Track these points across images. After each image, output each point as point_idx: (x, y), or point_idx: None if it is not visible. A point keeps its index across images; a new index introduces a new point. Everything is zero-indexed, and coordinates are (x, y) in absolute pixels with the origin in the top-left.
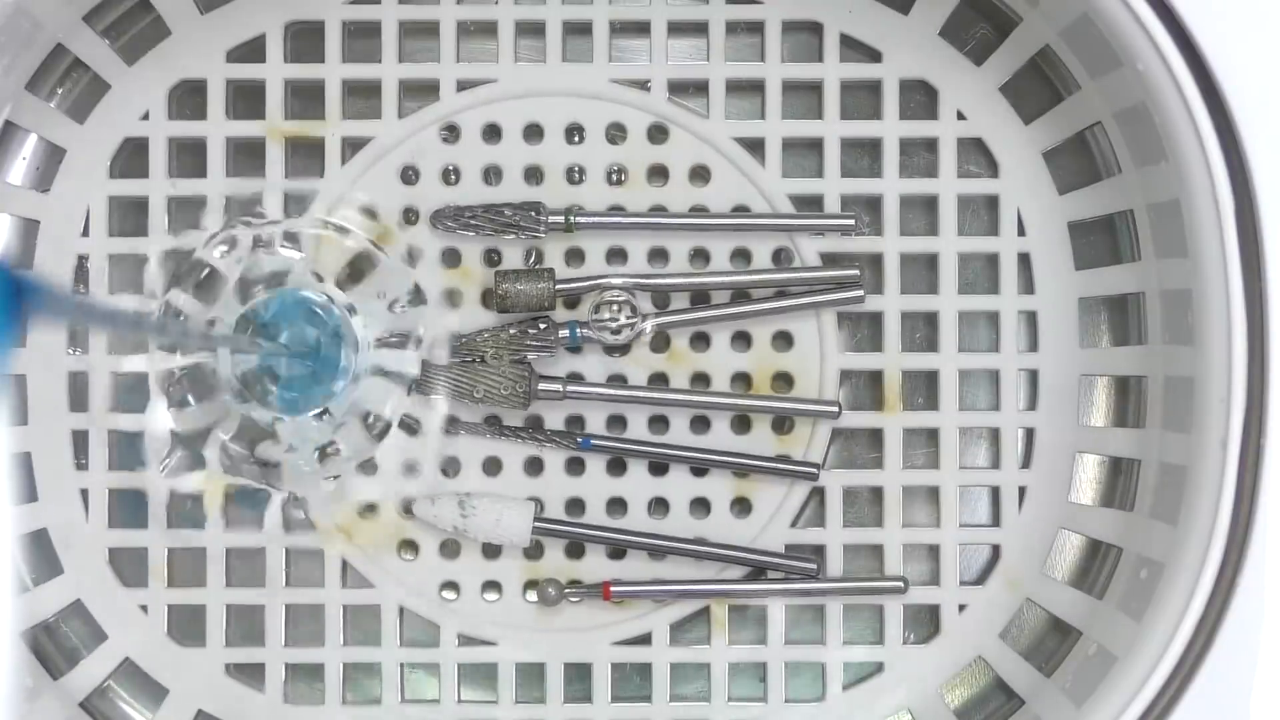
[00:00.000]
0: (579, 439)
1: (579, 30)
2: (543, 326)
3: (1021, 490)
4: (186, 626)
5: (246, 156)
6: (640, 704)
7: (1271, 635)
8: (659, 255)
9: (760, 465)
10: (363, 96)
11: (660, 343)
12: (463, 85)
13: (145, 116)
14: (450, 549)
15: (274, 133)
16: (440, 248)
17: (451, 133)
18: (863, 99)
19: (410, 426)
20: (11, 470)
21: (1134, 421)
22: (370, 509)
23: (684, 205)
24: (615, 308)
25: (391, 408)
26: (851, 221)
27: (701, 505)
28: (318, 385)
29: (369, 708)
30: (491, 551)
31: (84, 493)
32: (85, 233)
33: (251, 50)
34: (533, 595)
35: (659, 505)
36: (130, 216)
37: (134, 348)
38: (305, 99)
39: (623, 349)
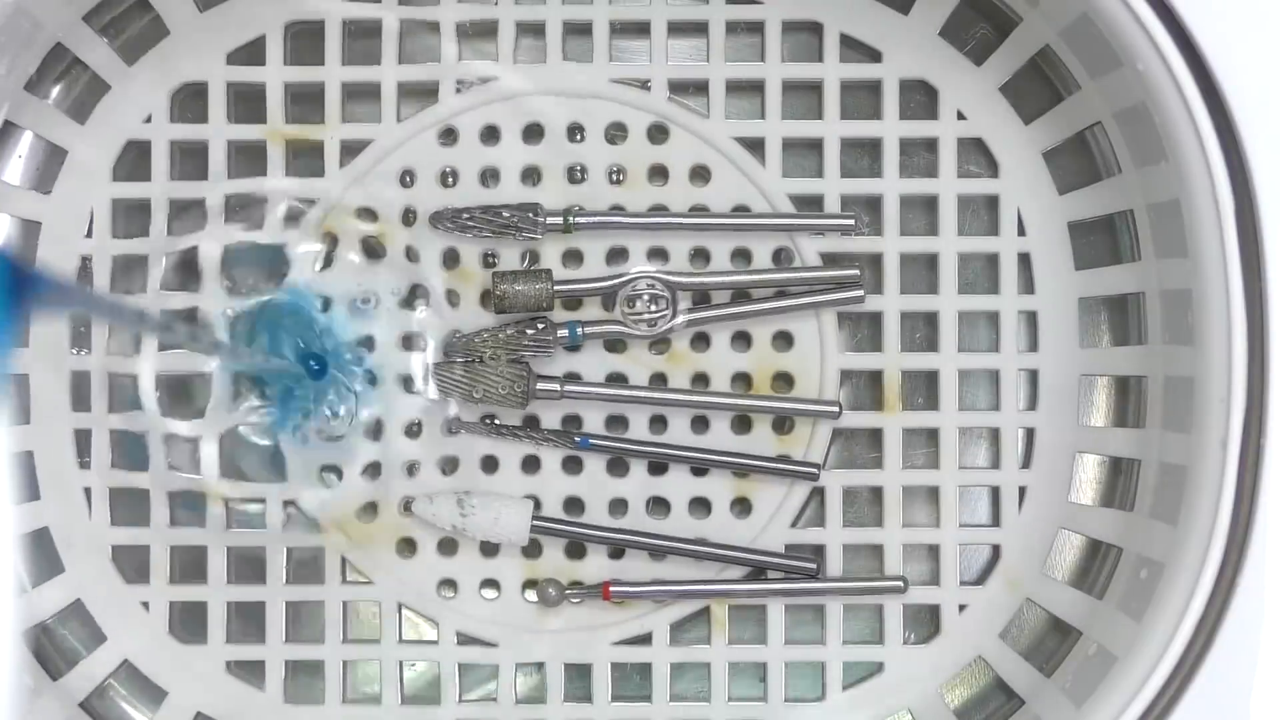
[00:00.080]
0: (577, 438)
1: (579, 30)
2: (540, 327)
3: (1021, 490)
4: (188, 624)
5: (247, 159)
6: (640, 704)
7: (1271, 635)
8: (659, 255)
9: (760, 465)
10: (362, 99)
11: (660, 343)
12: (462, 86)
13: (148, 120)
14: (448, 547)
15: (274, 135)
16: (439, 249)
17: (450, 135)
18: (863, 99)
19: (410, 426)
20: (13, 469)
21: (1134, 421)
22: (369, 508)
23: (684, 205)
24: (648, 299)
25: (391, 408)
26: (851, 221)
27: (701, 505)
28: (313, 398)
29: (369, 707)
30: (490, 550)
31: (86, 491)
32: (89, 234)
33: (251, 52)
34: (532, 595)
35: (659, 505)
36: (135, 219)
37: (135, 344)
38: (304, 104)
39: (623, 346)
